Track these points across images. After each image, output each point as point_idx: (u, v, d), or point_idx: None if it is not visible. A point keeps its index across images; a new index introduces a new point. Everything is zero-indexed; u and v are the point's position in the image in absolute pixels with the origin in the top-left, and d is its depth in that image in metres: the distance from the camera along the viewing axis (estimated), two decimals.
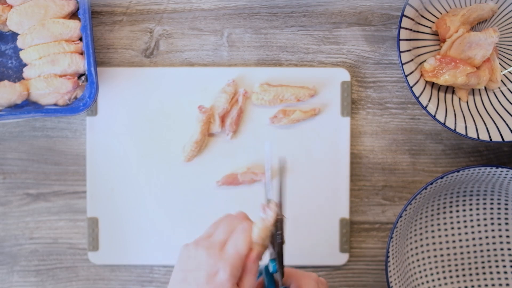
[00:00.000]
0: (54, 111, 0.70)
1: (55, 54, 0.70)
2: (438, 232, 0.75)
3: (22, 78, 0.72)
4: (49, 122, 0.76)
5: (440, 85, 0.74)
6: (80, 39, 0.71)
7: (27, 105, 0.71)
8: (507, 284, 0.74)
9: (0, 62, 0.74)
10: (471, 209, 0.75)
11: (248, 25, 0.75)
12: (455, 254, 0.76)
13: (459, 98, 0.74)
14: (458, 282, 0.75)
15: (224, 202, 0.75)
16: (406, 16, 0.69)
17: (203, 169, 0.75)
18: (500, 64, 0.74)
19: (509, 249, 0.75)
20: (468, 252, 0.75)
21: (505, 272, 0.75)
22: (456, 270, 0.75)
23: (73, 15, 0.72)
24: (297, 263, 0.75)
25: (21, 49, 0.72)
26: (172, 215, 0.75)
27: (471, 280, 0.75)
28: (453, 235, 0.75)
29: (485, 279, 0.75)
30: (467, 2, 0.73)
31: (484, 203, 0.75)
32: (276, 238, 0.57)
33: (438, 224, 0.75)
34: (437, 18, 0.73)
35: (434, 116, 0.70)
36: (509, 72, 0.74)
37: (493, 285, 0.75)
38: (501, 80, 0.74)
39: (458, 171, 0.67)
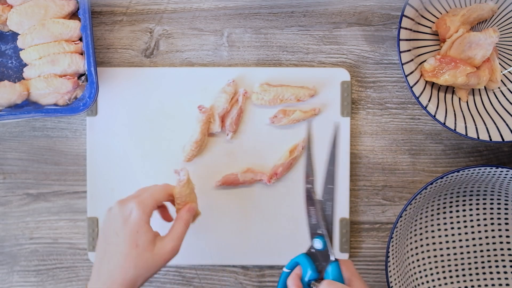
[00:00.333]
0: (54, 111, 0.70)
1: (55, 54, 0.70)
2: (438, 232, 0.75)
3: (22, 78, 0.72)
4: (49, 122, 0.76)
5: (440, 85, 0.74)
6: (80, 39, 0.71)
7: (27, 105, 0.71)
8: (507, 284, 0.74)
9: (0, 62, 0.74)
10: (471, 209, 0.75)
11: (248, 25, 0.75)
12: (455, 254, 0.76)
13: (459, 98, 0.74)
14: (458, 282, 0.75)
15: (224, 202, 0.75)
16: (406, 16, 0.69)
17: (203, 169, 0.75)
18: (500, 64, 0.74)
19: (509, 249, 0.75)
20: (468, 252, 0.75)
21: (505, 272, 0.75)
22: (456, 270, 0.75)
23: (73, 15, 0.72)
24: None
25: (21, 49, 0.72)
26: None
27: (471, 280, 0.75)
28: (453, 235, 0.75)
29: (485, 279, 0.75)
30: (467, 2, 0.73)
31: (484, 203, 0.75)
32: (324, 208, 0.59)
33: (438, 224, 0.75)
34: (437, 18, 0.73)
35: (434, 116, 0.70)
36: (509, 72, 0.74)
37: (493, 285, 0.75)
38: (501, 80, 0.74)
39: (458, 171, 0.68)
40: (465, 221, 0.75)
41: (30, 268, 0.76)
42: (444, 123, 0.70)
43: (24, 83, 0.71)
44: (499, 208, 0.74)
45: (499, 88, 0.74)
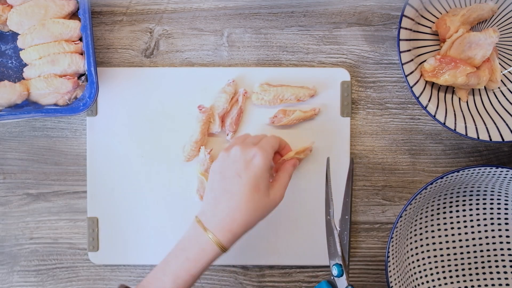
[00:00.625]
0: (54, 111, 0.70)
1: (55, 54, 0.70)
2: (438, 232, 0.75)
3: (22, 78, 0.72)
4: (49, 122, 0.76)
5: (440, 85, 0.74)
6: (80, 39, 0.71)
7: (27, 105, 0.71)
8: (507, 284, 0.74)
9: (0, 62, 0.74)
10: (471, 209, 0.75)
11: (248, 25, 0.75)
12: (455, 254, 0.75)
13: (459, 98, 0.74)
14: (458, 282, 0.75)
15: None
16: (406, 16, 0.69)
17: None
18: (500, 64, 0.74)
19: (509, 249, 0.75)
20: (468, 252, 0.75)
21: (505, 272, 0.75)
22: (456, 270, 0.75)
23: (73, 15, 0.72)
24: (297, 263, 0.75)
25: (21, 49, 0.72)
26: (172, 215, 0.75)
27: (471, 280, 0.75)
28: (453, 235, 0.75)
29: (485, 279, 0.75)
30: (467, 2, 0.73)
31: (484, 203, 0.75)
32: (342, 238, 0.69)
33: (438, 224, 0.75)
34: (437, 18, 0.73)
35: (434, 116, 0.70)
36: (509, 72, 0.74)
37: (493, 285, 0.75)
38: (501, 80, 0.74)
39: (458, 171, 0.67)
40: (465, 221, 0.75)
41: (30, 268, 0.76)
42: (444, 123, 0.70)
43: (24, 83, 0.71)
44: (499, 208, 0.74)
45: (499, 88, 0.74)
